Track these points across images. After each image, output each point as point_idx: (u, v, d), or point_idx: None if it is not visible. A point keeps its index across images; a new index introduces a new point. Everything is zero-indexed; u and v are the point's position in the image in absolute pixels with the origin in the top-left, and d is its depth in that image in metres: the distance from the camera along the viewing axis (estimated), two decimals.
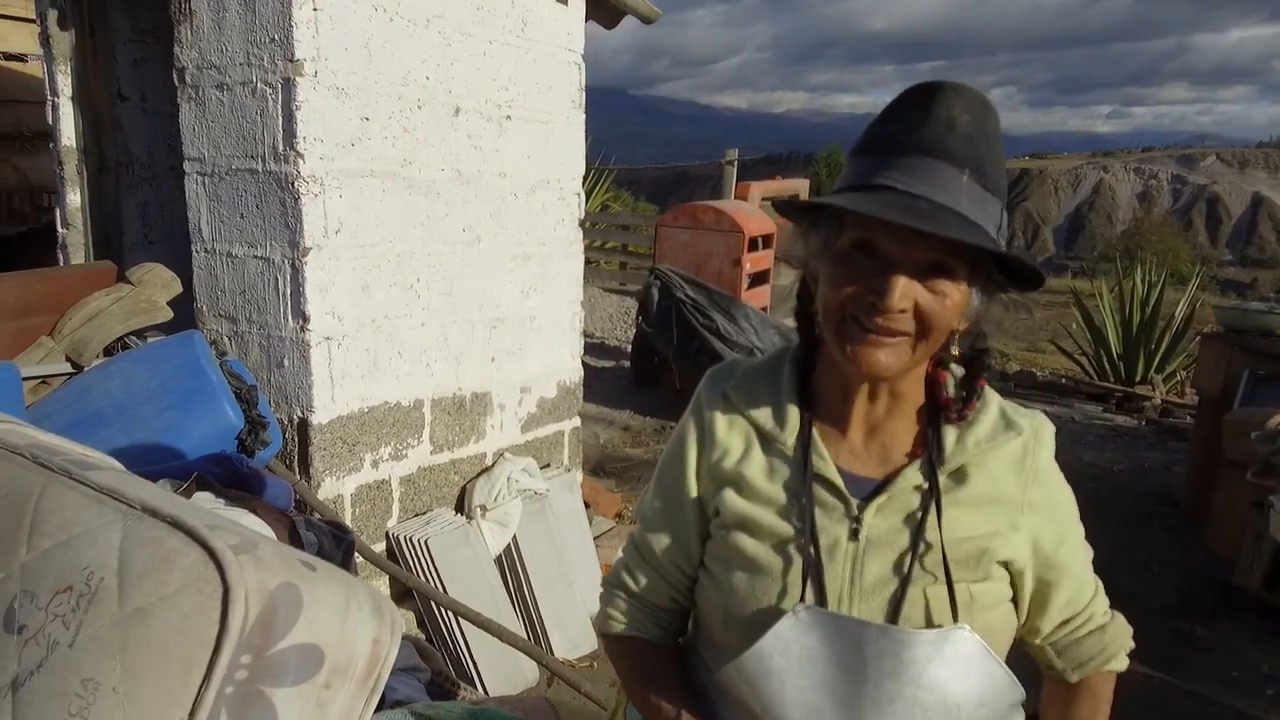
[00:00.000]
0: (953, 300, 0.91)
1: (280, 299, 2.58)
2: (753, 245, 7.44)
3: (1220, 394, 4.95)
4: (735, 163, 10.32)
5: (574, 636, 3.15)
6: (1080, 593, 1.06)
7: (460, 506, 3.12)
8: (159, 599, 0.87)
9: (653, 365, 6.66)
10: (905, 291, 0.89)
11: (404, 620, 2.79)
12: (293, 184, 2.49)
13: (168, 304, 2.78)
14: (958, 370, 1.04)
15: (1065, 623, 1.06)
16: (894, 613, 0.94)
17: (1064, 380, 8.75)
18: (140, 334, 2.69)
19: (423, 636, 2.80)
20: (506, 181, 3.21)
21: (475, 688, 2.72)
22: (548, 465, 3.55)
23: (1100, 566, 3.96)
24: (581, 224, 3.63)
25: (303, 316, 2.55)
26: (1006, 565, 0.99)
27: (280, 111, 2.48)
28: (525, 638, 2.93)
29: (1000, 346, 10.70)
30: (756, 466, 1.02)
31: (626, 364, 7.42)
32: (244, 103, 2.55)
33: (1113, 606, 3.86)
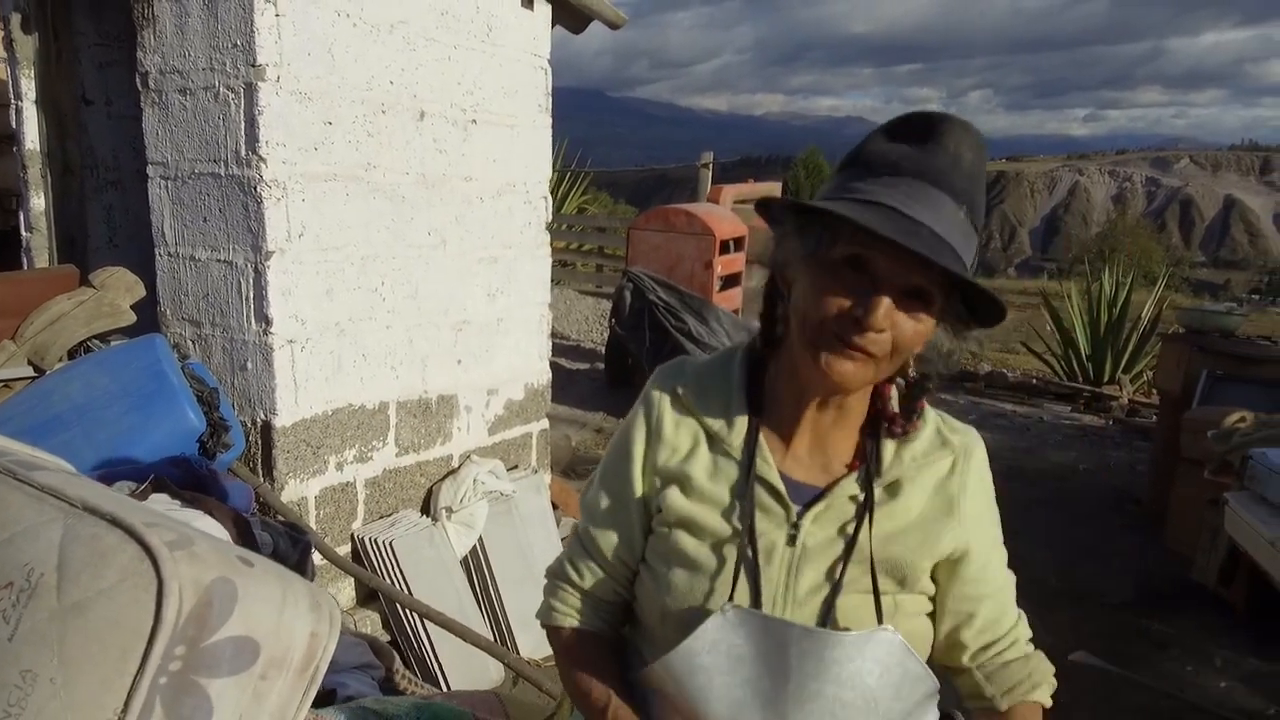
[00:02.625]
0: (925, 327, 0.94)
1: (243, 302, 2.59)
2: (724, 248, 7.50)
3: (1180, 394, 5.05)
4: (711, 165, 10.38)
5: (540, 636, 3.16)
6: (1004, 615, 1.08)
7: (426, 508, 3.14)
8: (96, 593, 0.90)
9: (626, 367, 6.68)
10: (888, 313, 0.91)
11: (369, 621, 2.81)
12: (255, 188, 2.51)
13: (131, 308, 2.79)
14: (900, 385, 1.06)
15: (991, 645, 1.07)
16: (824, 619, 0.97)
17: (1034, 381, 8.86)
18: (103, 338, 2.70)
19: (387, 638, 2.82)
20: (472, 185, 3.24)
21: (439, 688, 2.74)
22: (515, 467, 3.57)
23: (1063, 563, 4.04)
24: (549, 226, 3.66)
25: (266, 320, 2.56)
26: (933, 576, 1.02)
27: (243, 116, 2.50)
28: (490, 638, 2.96)
29: (972, 347, 10.82)
30: (702, 466, 1.03)
31: (601, 366, 7.45)
32: (206, 107, 2.56)
33: (1073, 602, 3.89)
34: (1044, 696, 1.09)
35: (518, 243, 3.49)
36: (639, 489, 1.07)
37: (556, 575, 1.17)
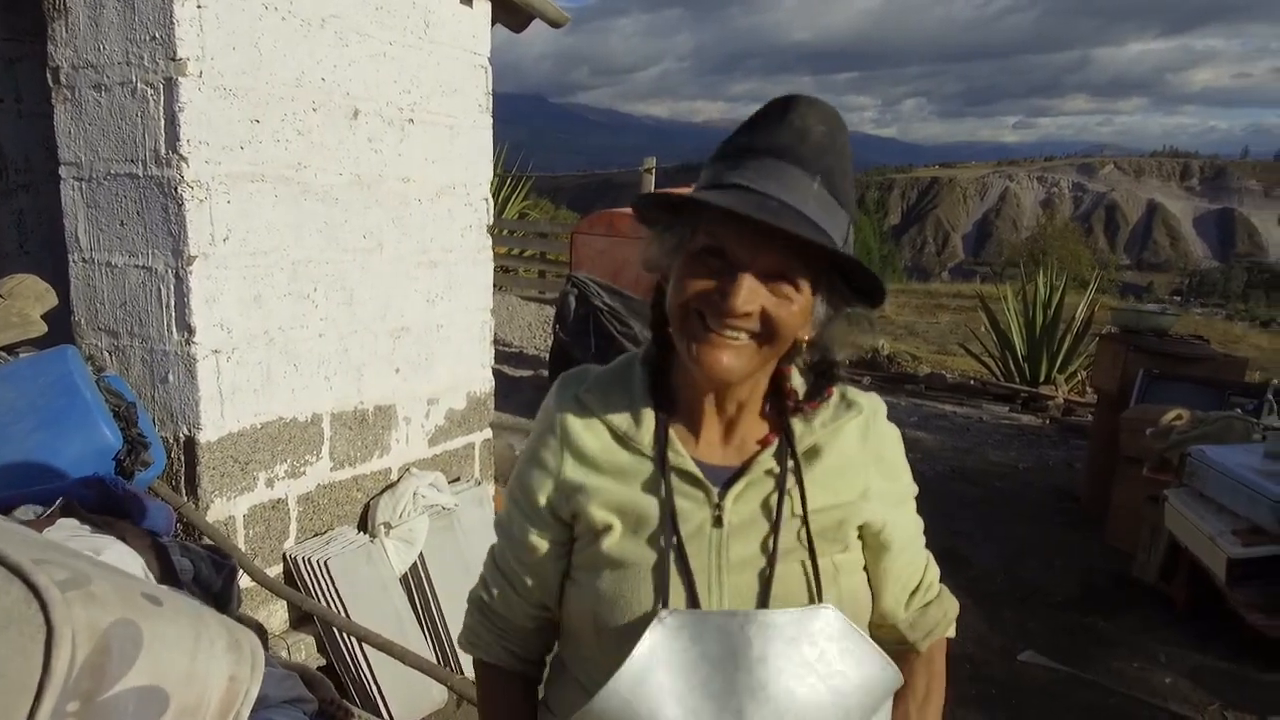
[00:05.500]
0: (798, 305, 0.93)
1: (164, 311, 2.44)
2: None
3: (1117, 392, 5.15)
4: (654, 170, 10.35)
5: None
6: (919, 558, 1.12)
7: (363, 525, 3.01)
8: None
9: None
10: (751, 293, 0.91)
11: (303, 645, 2.67)
12: (176, 189, 2.37)
13: (42, 317, 2.61)
14: (805, 371, 1.07)
15: (915, 594, 1.11)
16: (765, 590, 0.96)
17: (972, 382, 9.01)
18: (11, 349, 2.52)
19: (322, 662, 2.68)
20: (410, 186, 3.13)
21: (379, 716, 2.62)
22: (457, 479, 3.46)
23: (1006, 562, 4.06)
24: (491, 230, 3.56)
25: (188, 329, 2.42)
26: (862, 531, 1.03)
27: (162, 113, 2.36)
28: (433, 659, 2.85)
29: (912, 350, 11.00)
30: (615, 467, 1.02)
31: (545, 373, 7.35)
32: (123, 104, 2.41)
33: (1019, 601, 3.93)
34: (952, 631, 1.16)
35: (459, 246, 3.39)
36: (552, 502, 1.04)
37: (472, 601, 1.14)
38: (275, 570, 2.72)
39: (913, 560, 1.10)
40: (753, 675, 0.92)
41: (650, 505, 0.99)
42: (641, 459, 1.01)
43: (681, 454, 1.01)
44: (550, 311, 9.22)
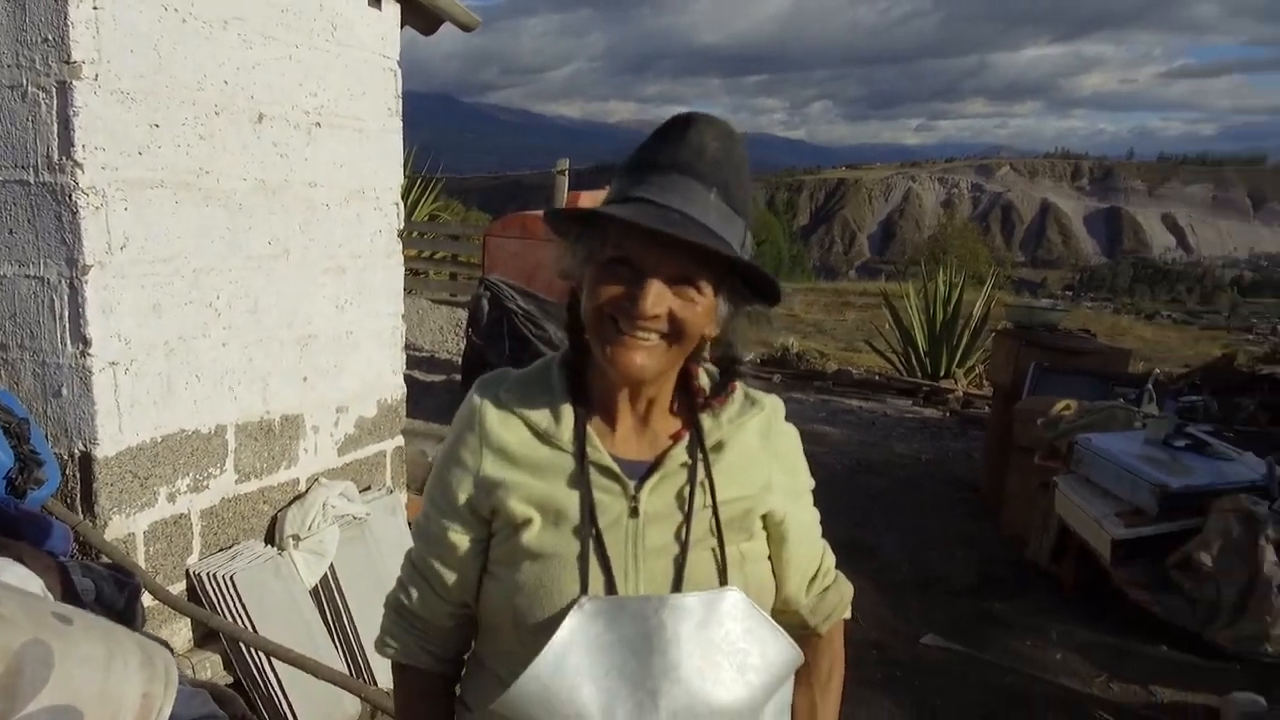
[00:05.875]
0: (702, 306, 1.01)
1: (57, 322, 2.35)
2: None
3: (1011, 385, 5.40)
4: (568, 172, 10.35)
5: None
6: (816, 547, 1.19)
7: (271, 537, 2.95)
8: None
9: None
10: (658, 298, 0.98)
11: (209, 664, 2.61)
12: (70, 196, 2.28)
13: None
14: (712, 370, 1.15)
15: (814, 580, 1.18)
16: (678, 575, 1.03)
17: (877, 378, 9.31)
18: None
19: (230, 680, 2.62)
20: (318, 191, 3.08)
21: None
22: (369, 488, 3.42)
23: (909, 551, 4.22)
24: (402, 234, 3.53)
25: (83, 340, 2.33)
26: (765, 521, 1.11)
27: (55, 117, 2.27)
28: (345, 671, 2.82)
29: (820, 347, 11.29)
30: (535, 463, 1.06)
31: (458, 377, 7.29)
32: (13, 108, 2.31)
33: (922, 588, 4.10)
34: (848, 613, 1.24)
35: (368, 251, 3.35)
36: (472, 500, 1.08)
37: (390, 604, 1.16)
38: (179, 587, 2.65)
39: (811, 549, 1.18)
40: (666, 656, 0.97)
41: (570, 499, 1.04)
42: (561, 454, 1.06)
43: (599, 449, 1.06)
44: (462, 315, 9.12)
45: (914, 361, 9.72)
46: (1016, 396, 5.20)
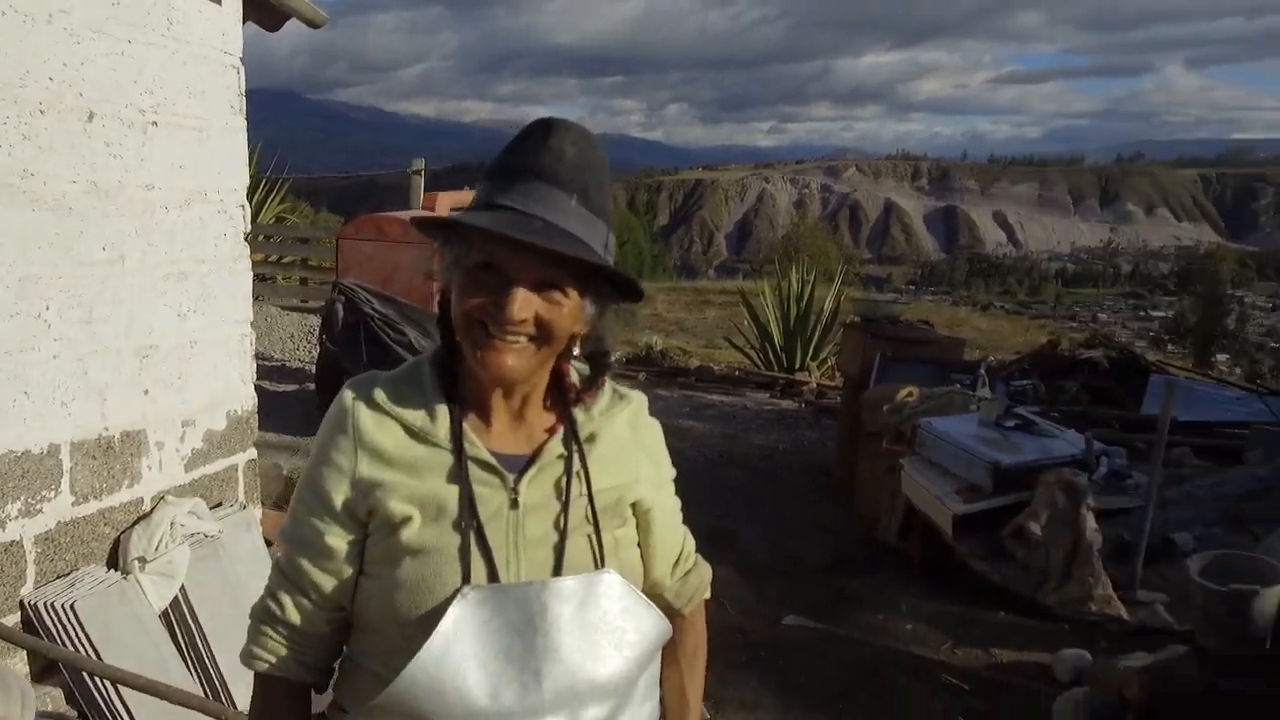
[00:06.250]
0: (568, 308, 1.05)
1: None
2: None
3: (860, 375, 5.70)
4: (424, 172, 10.13)
5: None
6: (679, 533, 1.26)
7: (114, 561, 2.78)
8: None
9: (340, 386, 6.33)
10: (525, 303, 1.01)
11: (49, 699, 2.44)
12: None
13: None
14: (581, 367, 1.19)
15: (678, 565, 1.25)
16: (558, 562, 1.07)
17: (737, 373, 9.59)
18: None
19: (75, 714, 2.46)
20: (155, 194, 2.92)
21: None
22: (220, 504, 3.26)
23: (769, 537, 4.39)
24: (248, 238, 3.39)
25: None
26: (635, 508, 1.16)
27: None
28: (201, 695, 2.69)
29: (682, 345, 11.52)
30: (411, 461, 1.07)
31: (311, 386, 7.03)
32: None
33: (782, 571, 4.27)
34: (708, 594, 1.31)
35: (212, 256, 3.20)
36: (349, 502, 1.08)
37: (258, 615, 1.14)
38: (12, 619, 2.46)
39: (675, 535, 1.24)
40: (548, 638, 1.02)
41: (450, 494, 1.06)
42: (438, 452, 1.08)
43: (477, 444, 1.08)
44: (314, 321, 8.79)
45: (771, 356, 10.07)
46: (864, 386, 5.49)
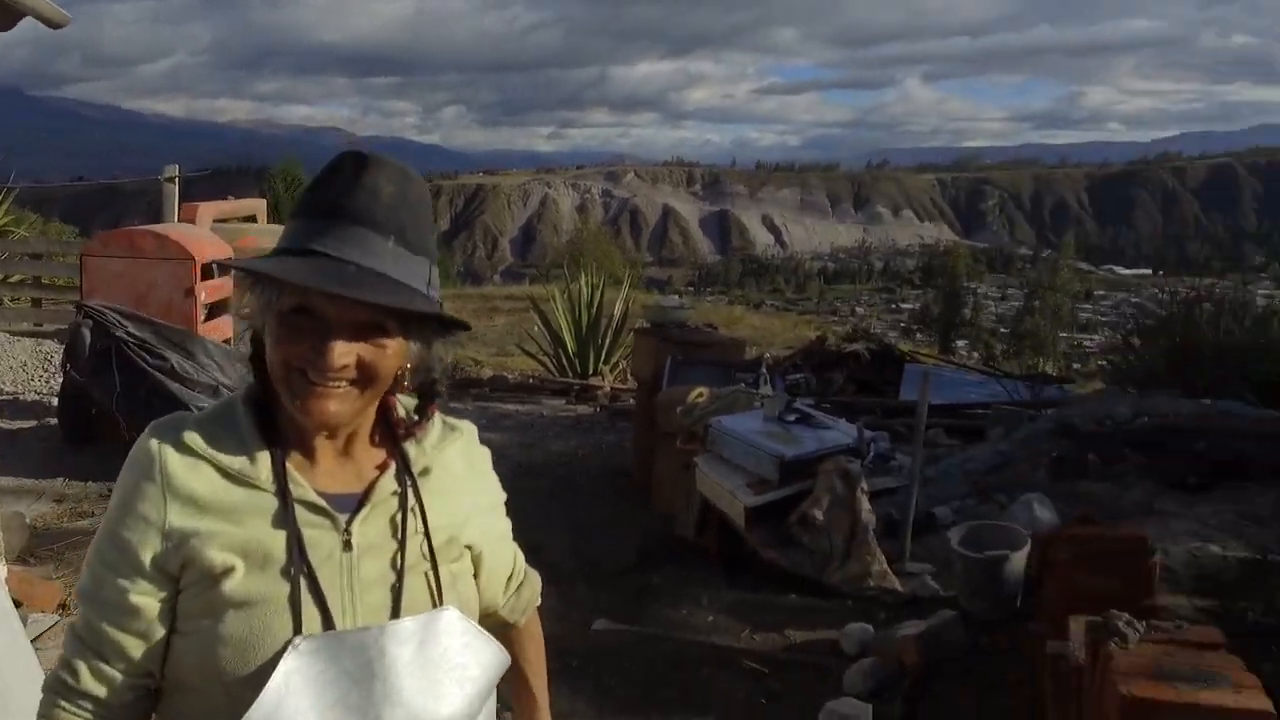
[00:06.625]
0: (391, 350, 1.01)
1: None
2: (207, 273, 6.79)
3: (653, 378, 5.89)
4: (177, 179, 9.32)
5: None
6: (510, 552, 1.27)
7: None
8: None
9: (89, 419, 5.72)
10: (344, 350, 0.97)
11: None
12: None
13: None
14: (407, 401, 1.15)
15: (509, 579, 1.25)
16: (396, 603, 1.03)
17: (531, 380, 9.59)
18: None
19: None
20: None
21: None
22: None
23: (574, 543, 4.41)
24: None
25: None
26: (470, 539, 1.14)
27: None
28: None
29: (474, 355, 11.35)
30: (230, 507, 1.01)
31: (53, 421, 6.29)
32: None
33: (588, 576, 4.30)
34: (539, 600, 1.33)
35: None
36: (159, 556, 0.99)
37: (52, 688, 1.03)
38: None
39: (507, 557, 1.25)
40: (388, 683, 0.98)
41: (276, 539, 1.00)
42: (260, 494, 1.02)
43: (303, 485, 1.03)
44: (53, 347, 7.95)
45: (564, 362, 10.15)
46: (658, 388, 5.67)
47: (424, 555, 1.07)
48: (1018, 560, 3.63)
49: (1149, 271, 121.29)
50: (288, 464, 1.04)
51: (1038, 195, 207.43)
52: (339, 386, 0.99)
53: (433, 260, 1.05)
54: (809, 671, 3.53)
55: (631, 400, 8.02)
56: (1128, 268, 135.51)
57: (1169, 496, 4.73)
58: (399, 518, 1.07)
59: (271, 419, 1.06)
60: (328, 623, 0.99)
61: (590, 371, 9.90)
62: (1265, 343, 7.27)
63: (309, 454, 1.06)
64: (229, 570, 0.98)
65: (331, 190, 1.00)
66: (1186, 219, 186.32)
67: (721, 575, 4.39)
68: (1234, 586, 3.68)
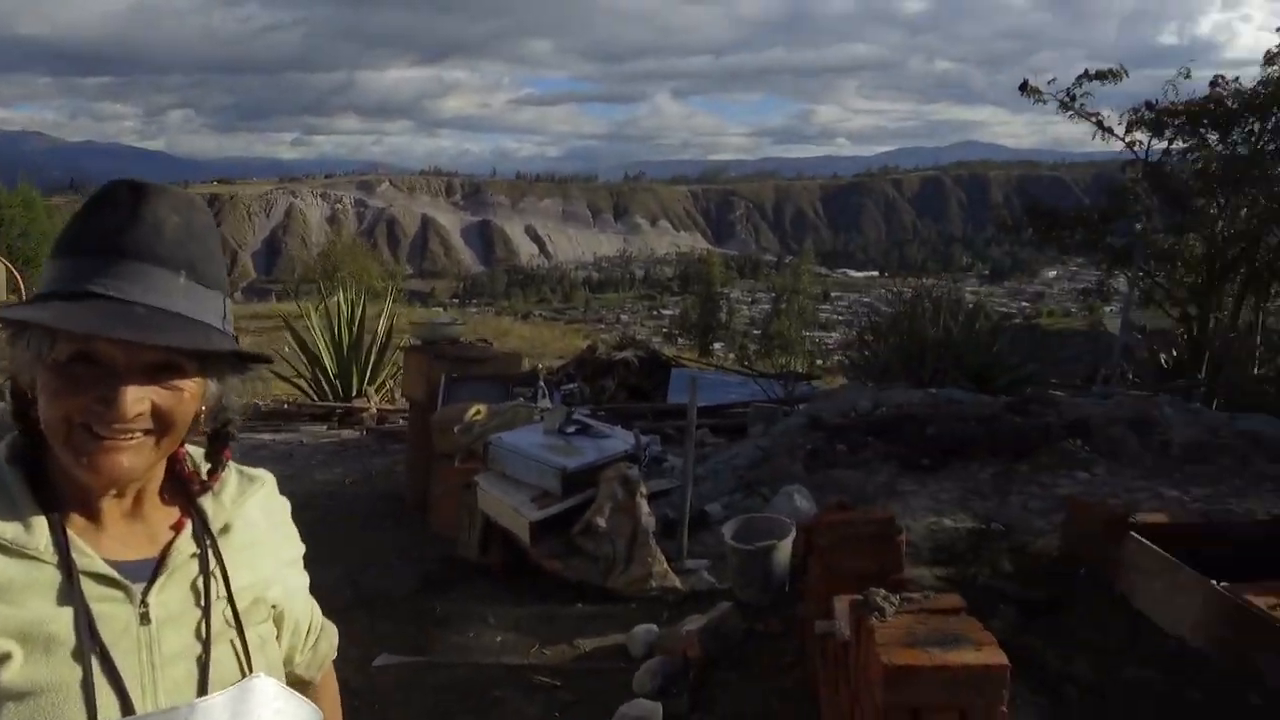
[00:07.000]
0: (189, 393, 0.94)
1: None
2: None
3: (426, 398, 5.73)
4: None
5: None
6: (309, 605, 1.20)
7: None
8: None
9: None
10: (137, 397, 0.89)
11: None
12: None
13: None
14: (196, 451, 1.06)
15: (307, 634, 1.19)
16: (203, 676, 0.95)
17: (286, 406, 9.02)
18: None
19: None
20: None
21: None
22: None
23: (349, 574, 4.21)
24: None
25: None
26: (275, 601, 1.07)
27: None
28: None
29: (256, 388, 10.48)
30: (4, 584, 0.88)
31: None
32: None
33: (367, 608, 4.12)
34: (335, 652, 1.28)
35: None
36: None
37: None
38: None
39: (305, 610, 1.18)
40: None
41: (61, 618, 0.89)
42: (39, 567, 0.90)
43: (89, 554, 0.93)
44: None
45: (324, 385, 9.59)
46: (432, 408, 5.53)
47: (228, 621, 0.99)
48: (784, 549, 3.91)
49: (876, 273, 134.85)
50: (69, 530, 0.93)
51: (779, 205, 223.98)
52: (132, 438, 0.90)
53: (226, 293, 0.98)
54: (600, 678, 3.59)
55: (402, 422, 7.77)
56: (858, 270, 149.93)
57: (907, 477, 5.28)
58: (200, 582, 0.98)
59: (45, 478, 0.94)
60: (126, 707, 0.90)
61: (354, 393, 9.44)
62: (975, 336, 8.30)
63: (93, 517, 0.96)
64: (5, 658, 0.87)
65: (106, 223, 0.90)
66: (905, 225, 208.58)
67: (508, 592, 4.37)
68: (965, 555, 4.18)
